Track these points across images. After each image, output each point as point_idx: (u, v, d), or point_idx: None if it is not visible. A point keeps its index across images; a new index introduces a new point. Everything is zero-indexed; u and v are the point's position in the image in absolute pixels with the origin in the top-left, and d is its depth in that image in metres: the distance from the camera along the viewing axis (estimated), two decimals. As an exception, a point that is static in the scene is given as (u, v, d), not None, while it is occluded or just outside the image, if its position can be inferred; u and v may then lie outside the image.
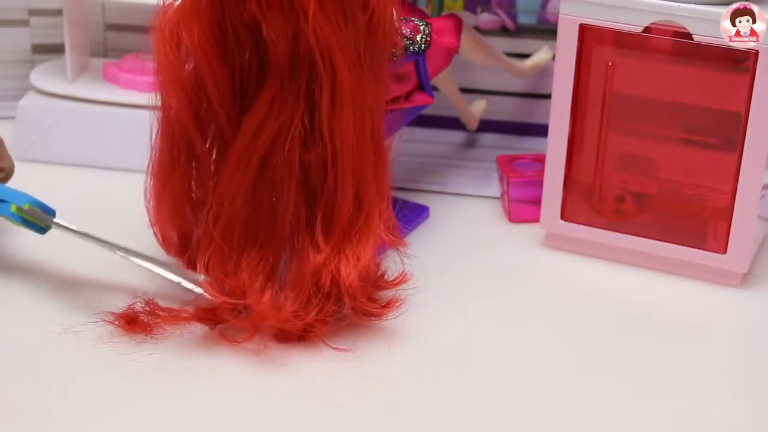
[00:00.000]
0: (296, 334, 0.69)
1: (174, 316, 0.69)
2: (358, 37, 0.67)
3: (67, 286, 0.72)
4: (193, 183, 0.71)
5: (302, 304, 0.68)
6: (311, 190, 0.69)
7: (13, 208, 0.71)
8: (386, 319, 0.70)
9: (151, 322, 0.69)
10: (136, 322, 0.69)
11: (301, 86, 0.67)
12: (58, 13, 0.93)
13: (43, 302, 0.70)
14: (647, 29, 0.74)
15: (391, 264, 0.71)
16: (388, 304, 0.70)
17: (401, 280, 0.71)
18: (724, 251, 0.76)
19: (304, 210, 0.69)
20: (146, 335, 0.68)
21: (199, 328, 0.69)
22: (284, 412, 0.64)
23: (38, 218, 0.72)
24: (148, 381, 0.65)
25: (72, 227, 0.72)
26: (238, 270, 0.69)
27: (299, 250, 0.69)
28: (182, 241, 0.73)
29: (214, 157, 0.71)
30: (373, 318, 0.70)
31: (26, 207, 0.71)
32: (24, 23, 0.98)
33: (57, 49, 0.97)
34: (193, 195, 0.72)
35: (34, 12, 0.97)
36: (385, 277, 0.71)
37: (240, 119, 0.69)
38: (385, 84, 0.70)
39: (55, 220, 0.72)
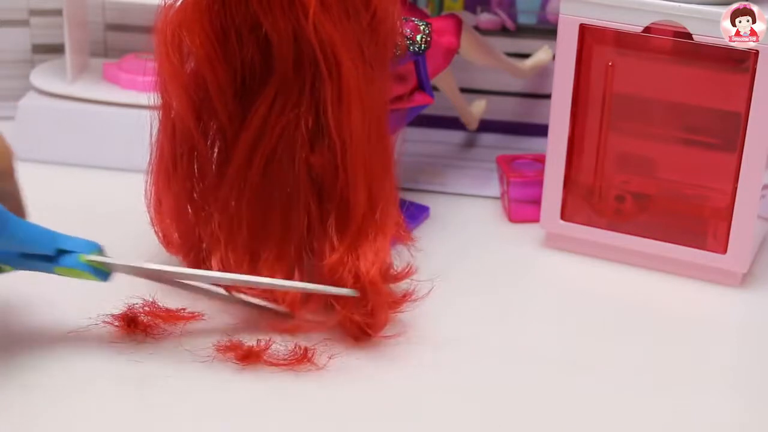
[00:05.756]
0: (355, 333, 0.68)
1: (173, 317, 0.69)
2: (361, 34, 0.67)
3: (67, 288, 0.71)
4: (194, 182, 0.72)
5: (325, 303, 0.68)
6: (323, 189, 0.69)
7: (82, 258, 0.66)
8: (401, 312, 0.69)
9: (150, 323, 0.69)
10: (136, 323, 0.69)
11: (304, 85, 0.67)
12: (58, 13, 0.93)
13: (44, 304, 0.70)
14: (647, 29, 0.74)
15: (395, 257, 0.71)
16: (404, 297, 0.70)
17: (408, 272, 0.70)
18: (724, 251, 0.76)
19: (317, 209, 0.69)
20: (146, 336, 0.69)
21: (199, 329, 0.69)
22: (283, 411, 0.64)
23: (102, 263, 0.67)
24: (148, 381, 0.65)
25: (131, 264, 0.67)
26: (255, 271, 0.69)
27: (317, 249, 0.69)
28: (183, 240, 0.73)
29: (215, 156, 0.71)
30: (393, 311, 0.69)
31: (92, 255, 0.66)
32: (24, 23, 0.98)
33: (57, 49, 0.97)
34: (195, 194, 0.72)
35: (34, 12, 0.97)
36: (392, 270, 0.70)
37: (242, 118, 0.69)
38: (388, 82, 0.70)
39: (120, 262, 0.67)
